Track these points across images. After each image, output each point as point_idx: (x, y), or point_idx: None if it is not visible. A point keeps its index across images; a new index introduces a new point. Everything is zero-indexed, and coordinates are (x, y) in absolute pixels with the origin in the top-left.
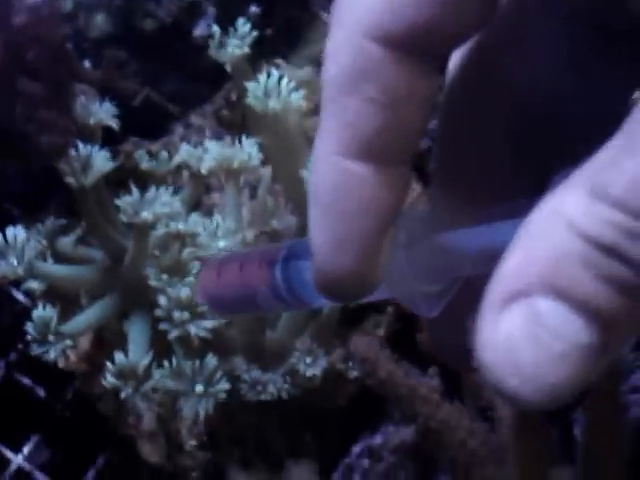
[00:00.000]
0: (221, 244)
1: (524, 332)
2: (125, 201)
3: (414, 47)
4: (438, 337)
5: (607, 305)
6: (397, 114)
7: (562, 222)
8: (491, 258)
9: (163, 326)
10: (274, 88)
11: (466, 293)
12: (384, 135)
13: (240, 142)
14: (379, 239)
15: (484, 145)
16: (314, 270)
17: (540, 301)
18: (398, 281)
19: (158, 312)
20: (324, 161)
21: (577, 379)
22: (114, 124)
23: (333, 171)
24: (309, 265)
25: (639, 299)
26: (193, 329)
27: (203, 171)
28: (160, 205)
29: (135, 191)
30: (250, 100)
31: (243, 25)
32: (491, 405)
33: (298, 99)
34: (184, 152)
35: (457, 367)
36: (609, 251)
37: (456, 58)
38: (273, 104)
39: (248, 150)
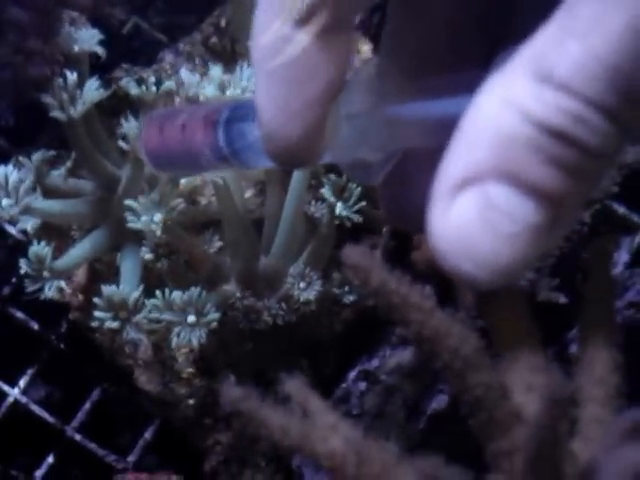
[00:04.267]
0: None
1: (477, 218)
2: (129, 126)
3: None
4: (389, 203)
5: (555, 186)
6: None
7: (510, 107)
8: (434, 131)
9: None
10: None
11: (414, 160)
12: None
13: (242, 69)
14: (324, 107)
15: (434, 15)
16: (263, 138)
17: (491, 186)
18: (341, 148)
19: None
20: (266, 28)
21: (529, 257)
22: (99, 50)
23: (275, 39)
24: (252, 127)
25: (585, 179)
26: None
27: (202, 98)
28: None
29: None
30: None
31: None
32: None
33: None
34: (184, 77)
35: (408, 231)
36: (556, 135)
37: None
38: None
39: (244, 82)
